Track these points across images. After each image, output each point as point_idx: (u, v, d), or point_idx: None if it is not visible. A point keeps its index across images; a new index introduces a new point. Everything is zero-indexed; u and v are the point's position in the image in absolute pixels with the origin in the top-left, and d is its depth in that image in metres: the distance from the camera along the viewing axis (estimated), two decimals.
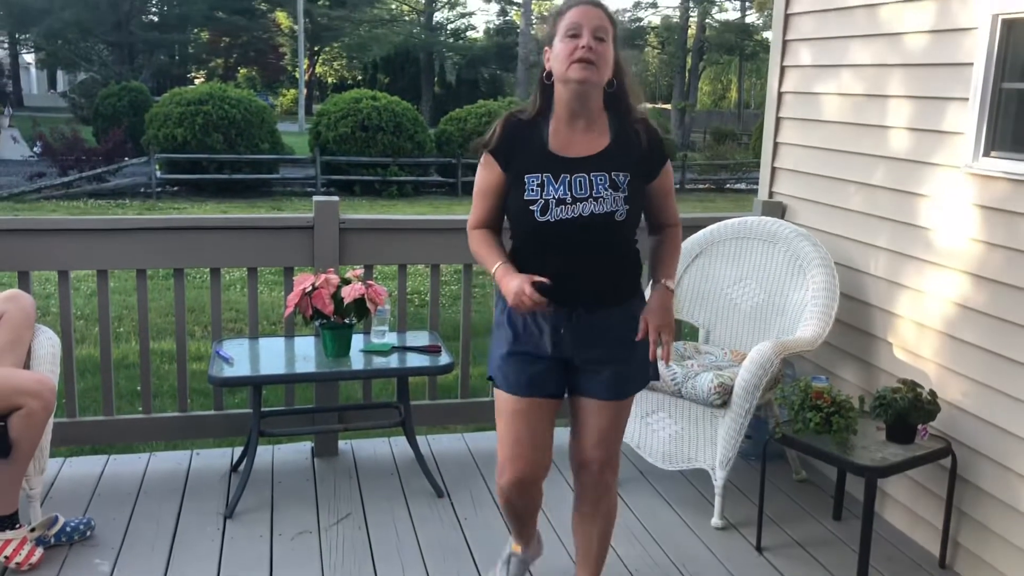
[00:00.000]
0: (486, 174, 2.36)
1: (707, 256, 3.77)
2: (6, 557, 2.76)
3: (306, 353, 3.44)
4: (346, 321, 3.35)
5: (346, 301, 3.26)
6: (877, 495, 2.99)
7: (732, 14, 43.03)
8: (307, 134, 21.05)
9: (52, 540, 2.92)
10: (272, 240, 3.59)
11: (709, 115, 42.85)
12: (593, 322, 2.34)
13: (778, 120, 4.01)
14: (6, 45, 38.46)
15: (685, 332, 4.14)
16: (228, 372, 3.23)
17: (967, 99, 2.91)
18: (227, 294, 8.48)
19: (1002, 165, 2.79)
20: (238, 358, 3.35)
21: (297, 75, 38.86)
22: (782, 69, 3.97)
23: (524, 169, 2.29)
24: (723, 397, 3.11)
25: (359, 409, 3.82)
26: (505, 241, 2.44)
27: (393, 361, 3.42)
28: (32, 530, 2.84)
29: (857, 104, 3.49)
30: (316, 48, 43.74)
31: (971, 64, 2.89)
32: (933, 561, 3.06)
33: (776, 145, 4.04)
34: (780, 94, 3.99)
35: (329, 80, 48.96)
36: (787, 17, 3.91)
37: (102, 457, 3.68)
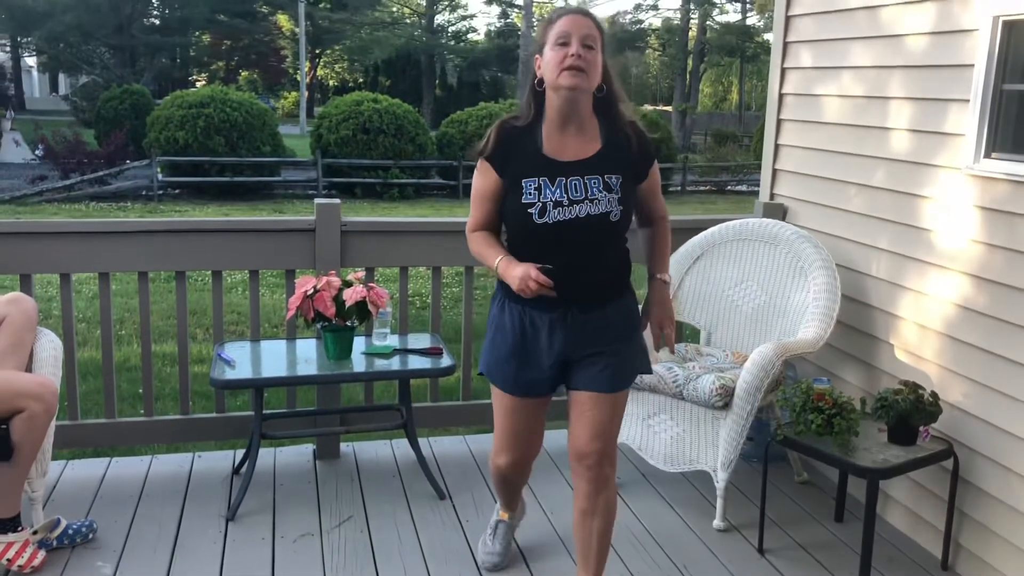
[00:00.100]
0: (483, 180, 2.44)
1: (708, 258, 3.77)
2: (8, 560, 2.76)
3: (308, 355, 3.44)
4: (348, 323, 3.36)
5: (348, 303, 3.26)
6: (879, 497, 2.99)
7: (733, 16, 43.15)
8: (308, 137, 21.07)
9: (54, 543, 2.93)
10: (274, 243, 3.60)
11: (710, 117, 42.85)
12: (588, 320, 2.42)
13: (779, 122, 4.01)
14: (8, 48, 38.49)
15: (686, 334, 4.14)
16: (230, 375, 3.23)
17: (968, 100, 2.91)
18: (229, 297, 8.49)
19: (1003, 166, 2.79)
20: (240, 361, 3.35)
21: (298, 78, 38.90)
22: (783, 71, 3.97)
23: (521, 174, 2.37)
24: (725, 399, 3.11)
25: (361, 411, 3.82)
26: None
27: (395, 363, 3.42)
28: (34, 533, 2.85)
29: (858, 106, 3.49)
30: (317, 51, 43.77)
31: (972, 66, 2.89)
32: (935, 563, 3.06)
33: (777, 147, 4.04)
34: (781, 96, 3.99)
35: (330, 83, 49.00)
36: (788, 19, 3.92)
37: (104, 460, 3.68)
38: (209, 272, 3.71)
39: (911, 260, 3.21)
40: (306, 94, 38.32)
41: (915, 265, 3.19)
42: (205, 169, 18.25)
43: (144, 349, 3.64)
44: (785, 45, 3.94)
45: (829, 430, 2.89)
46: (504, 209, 2.43)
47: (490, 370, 2.53)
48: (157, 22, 37.91)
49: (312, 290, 3.27)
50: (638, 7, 52.23)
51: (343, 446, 3.83)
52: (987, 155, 2.87)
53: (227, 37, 39.92)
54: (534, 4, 37.21)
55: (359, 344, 3.51)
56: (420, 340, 3.63)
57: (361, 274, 3.47)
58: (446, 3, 44.01)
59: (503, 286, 2.48)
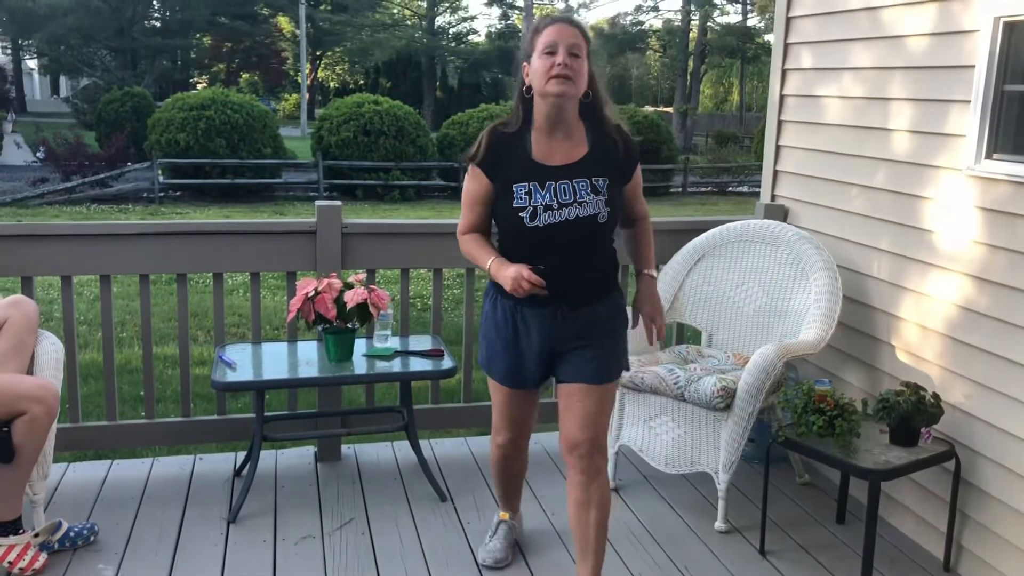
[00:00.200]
0: (474, 184, 2.55)
1: (709, 259, 3.77)
2: (10, 562, 2.76)
3: (309, 358, 3.44)
4: (349, 326, 3.36)
5: (349, 306, 3.26)
6: (881, 498, 2.98)
7: (734, 17, 43.14)
8: (309, 139, 21.09)
9: (56, 545, 2.93)
10: (275, 245, 3.60)
11: (711, 118, 42.86)
12: (578, 318, 2.54)
13: (780, 123, 4.01)
14: (9, 51, 38.54)
15: (688, 335, 4.14)
16: (231, 377, 3.23)
17: (969, 102, 2.91)
18: (230, 299, 8.49)
19: (1004, 167, 2.79)
20: (241, 363, 3.35)
21: (299, 80, 38.93)
22: (784, 72, 3.97)
23: (512, 179, 2.47)
24: (726, 400, 3.11)
25: (362, 413, 3.82)
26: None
27: (396, 365, 3.42)
28: (36, 535, 2.85)
29: (859, 107, 3.49)
30: (318, 53, 43.79)
31: (973, 66, 2.89)
32: (937, 564, 3.06)
33: (778, 148, 4.04)
34: (782, 97, 3.99)
35: (331, 85, 49.03)
36: (788, 20, 3.92)
37: (105, 462, 3.68)
38: (210, 274, 3.71)
39: (912, 261, 3.20)
40: (307, 96, 38.35)
41: (916, 266, 3.19)
42: (206, 171, 18.27)
43: (145, 351, 3.64)
44: (786, 46, 3.94)
45: (830, 431, 2.88)
46: (496, 213, 2.54)
47: (486, 363, 2.69)
48: (158, 24, 37.94)
49: (313, 292, 3.27)
50: (639, 8, 52.29)
51: (344, 448, 3.83)
52: (988, 156, 2.86)
53: (228, 39, 39.95)
54: (534, 6, 37.24)
55: (360, 346, 3.51)
56: (421, 342, 3.63)
57: (362, 276, 3.47)
58: (447, 5, 44.04)
59: (495, 284, 2.57)
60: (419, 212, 17.08)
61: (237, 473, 3.58)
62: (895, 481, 3.17)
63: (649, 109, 27.67)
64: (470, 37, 45.90)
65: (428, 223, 3.81)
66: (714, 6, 39.41)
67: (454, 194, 19.47)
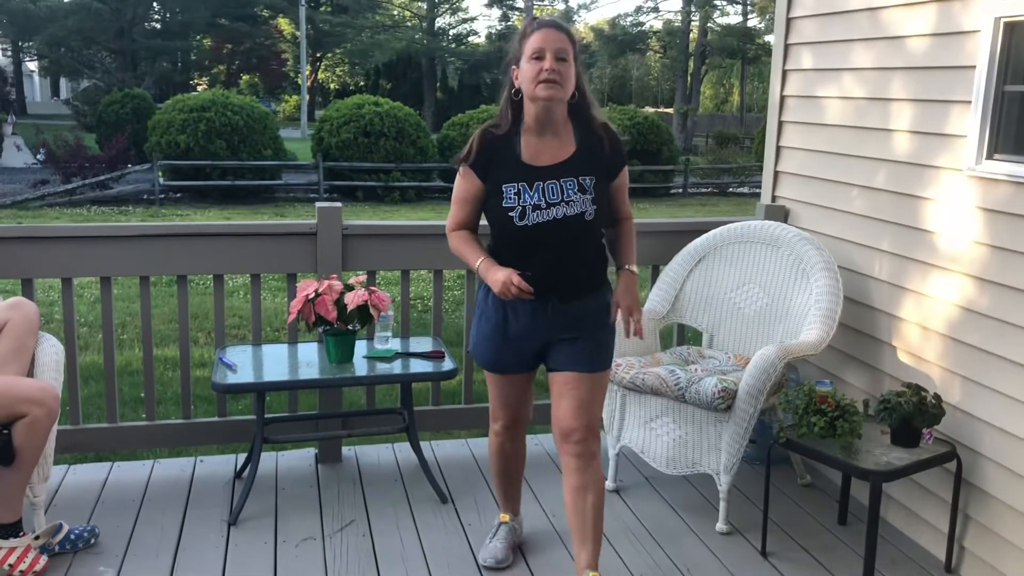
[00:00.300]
0: (465, 184, 2.65)
1: (710, 260, 3.77)
2: (10, 565, 2.76)
3: (309, 359, 3.44)
4: (349, 327, 3.35)
5: (349, 307, 3.26)
6: (882, 499, 2.98)
7: (734, 18, 43.14)
8: (310, 140, 21.09)
9: (56, 548, 2.92)
10: (275, 246, 3.60)
11: (711, 119, 42.86)
12: (568, 311, 2.63)
13: (780, 124, 4.01)
14: (9, 53, 38.58)
15: (688, 336, 4.14)
16: (232, 379, 3.23)
17: (969, 102, 2.91)
18: (230, 301, 8.49)
19: (1005, 168, 2.78)
20: (241, 365, 3.35)
21: (299, 81, 38.94)
22: (784, 73, 3.97)
23: (501, 180, 2.57)
24: (727, 402, 3.10)
25: (363, 415, 3.82)
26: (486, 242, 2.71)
27: (396, 367, 3.42)
28: (36, 538, 2.84)
29: (859, 107, 3.49)
30: (318, 54, 43.80)
31: (973, 67, 2.89)
32: (939, 565, 3.05)
33: (779, 149, 4.03)
34: (782, 98, 3.99)
35: (331, 86, 49.05)
36: (789, 21, 3.92)
37: (106, 464, 3.68)
38: (211, 276, 3.71)
39: (913, 262, 3.20)
40: (307, 97, 38.35)
41: (917, 267, 3.18)
42: (206, 173, 18.27)
43: (146, 353, 3.64)
44: (786, 47, 3.94)
45: (832, 432, 2.88)
46: (487, 212, 2.64)
47: (477, 351, 2.78)
48: (158, 26, 37.97)
49: (314, 294, 3.27)
50: (639, 9, 52.25)
51: (345, 450, 3.83)
52: (989, 156, 2.86)
53: (228, 41, 39.97)
54: (534, 7, 37.25)
55: (361, 348, 3.51)
56: (422, 344, 3.63)
57: (363, 278, 3.47)
58: (447, 6, 44.06)
59: None
60: (419, 213, 17.08)
61: (238, 475, 3.58)
62: (896, 482, 3.17)
63: (649, 110, 27.68)
64: (470, 38, 45.94)
65: (428, 225, 3.80)
66: (714, 7, 39.41)
67: None
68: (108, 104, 22.38)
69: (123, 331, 7.22)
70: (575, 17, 43.77)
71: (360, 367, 3.37)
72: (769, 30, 36.03)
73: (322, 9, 41.44)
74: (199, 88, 38.59)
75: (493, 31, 46.61)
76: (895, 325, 3.31)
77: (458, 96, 40.50)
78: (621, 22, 42.60)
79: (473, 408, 3.92)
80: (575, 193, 2.54)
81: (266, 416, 3.41)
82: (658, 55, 46.30)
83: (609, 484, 3.55)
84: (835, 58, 3.62)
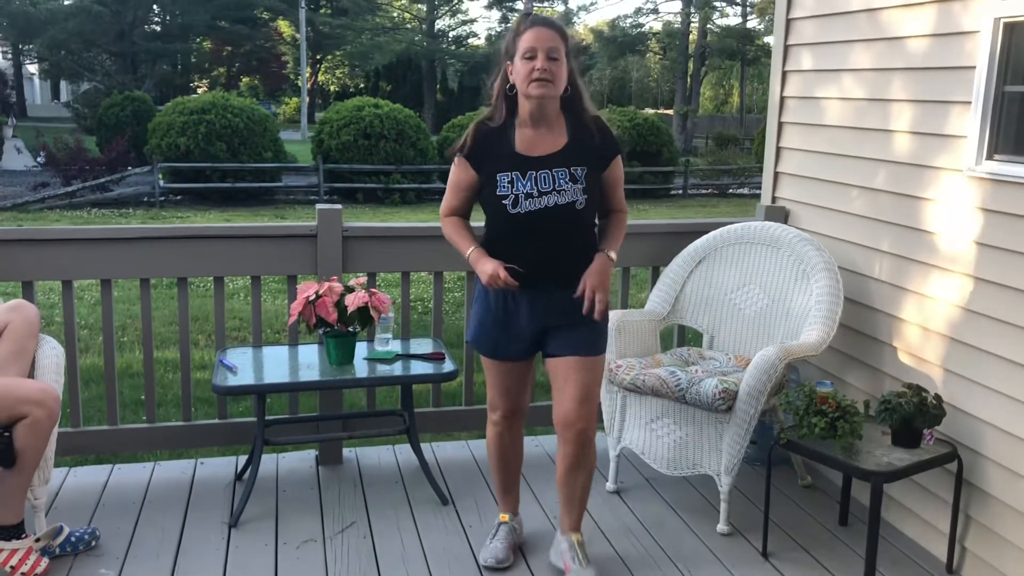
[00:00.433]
0: (460, 173, 2.78)
1: (710, 261, 3.77)
2: (11, 567, 2.76)
3: (310, 361, 3.44)
4: (350, 329, 3.35)
5: (350, 309, 3.26)
6: (883, 500, 2.98)
7: (733, 19, 43.16)
8: (310, 142, 21.10)
9: (57, 550, 2.92)
10: (275, 248, 3.60)
11: (711, 120, 42.88)
12: (562, 298, 2.72)
13: (780, 125, 4.01)
14: (9, 56, 38.60)
15: (689, 337, 4.14)
16: (232, 381, 3.23)
17: (969, 103, 2.91)
18: (231, 303, 8.49)
19: (1005, 168, 2.79)
20: (242, 367, 3.35)
21: (299, 83, 38.98)
22: (784, 74, 3.97)
23: (496, 169, 2.68)
24: (728, 402, 3.10)
25: (363, 417, 3.81)
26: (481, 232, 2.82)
27: (397, 369, 3.42)
28: (37, 540, 2.84)
29: (859, 108, 3.49)
30: (318, 56, 43.84)
31: (973, 67, 2.89)
32: (940, 566, 3.05)
33: (779, 150, 4.04)
34: (782, 99, 3.99)
35: (331, 88, 49.08)
36: (788, 22, 3.92)
37: (106, 467, 3.68)
38: (211, 278, 3.71)
39: (913, 262, 3.20)
40: (307, 100, 38.38)
41: (917, 267, 3.18)
42: (207, 175, 18.27)
43: (146, 355, 3.64)
44: (786, 48, 3.94)
45: (832, 433, 2.88)
46: (482, 200, 2.76)
47: (476, 339, 2.86)
48: (158, 29, 38.01)
49: (314, 296, 3.27)
50: (638, 11, 52.33)
51: (346, 452, 3.83)
52: (989, 157, 2.86)
53: (228, 43, 40.00)
54: (534, 8, 37.26)
55: (361, 350, 3.51)
56: (422, 345, 3.63)
57: (363, 279, 3.47)
58: (447, 8, 44.08)
59: None
60: (420, 215, 17.09)
61: (238, 477, 3.58)
62: (897, 483, 3.17)
63: (649, 111, 27.64)
64: (470, 40, 45.97)
65: (429, 226, 3.80)
66: (714, 8, 39.43)
67: None
68: (108, 107, 22.39)
69: (123, 333, 7.22)
70: (574, 19, 43.81)
71: (360, 369, 3.37)
72: (768, 31, 36.04)
73: (322, 11, 41.47)
74: (199, 90, 38.65)
75: (493, 33, 46.66)
76: (895, 326, 3.31)
77: (458, 98, 40.52)
78: (621, 24, 42.62)
79: (474, 410, 3.92)
80: (567, 183, 2.66)
81: (267, 418, 3.41)
82: (658, 57, 46.33)
83: (610, 485, 3.55)
84: (835, 59, 3.63)
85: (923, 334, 3.17)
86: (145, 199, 18.02)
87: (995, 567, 2.87)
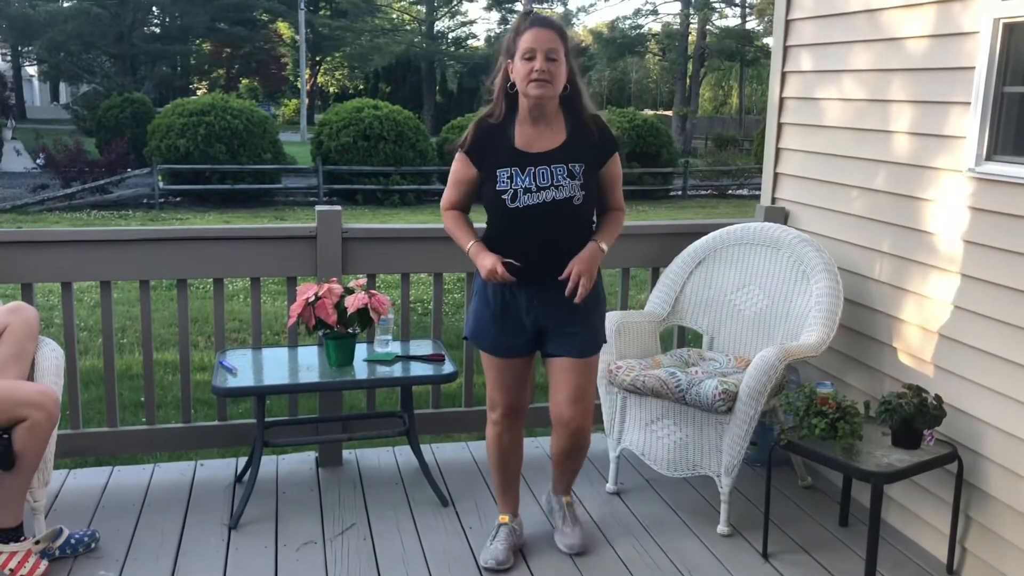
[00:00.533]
0: (462, 168, 2.84)
1: (710, 262, 3.76)
2: (11, 570, 2.76)
3: (309, 363, 3.44)
4: (349, 331, 3.35)
5: (349, 311, 3.26)
6: (883, 501, 2.97)
7: (732, 20, 43.16)
8: (309, 144, 21.10)
9: (56, 552, 2.92)
10: (275, 250, 3.59)
11: (710, 121, 42.90)
12: (560, 298, 2.75)
13: (780, 126, 4.01)
14: (9, 57, 38.59)
15: (689, 338, 4.13)
16: (232, 382, 3.23)
17: (969, 103, 2.91)
18: (230, 304, 8.49)
19: (1005, 169, 2.79)
20: (242, 368, 3.35)
21: (299, 85, 38.98)
22: (783, 75, 3.97)
23: (496, 165, 2.74)
24: (728, 403, 3.10)
25: (363, 419, 3.81)
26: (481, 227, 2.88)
27: (397, 370, 3.41)
28: (36, 543, 2.84)
29: (859, 109, 3.49)
30: (318, 58, 43.85)
31: (973, 68, 2.89)
32: (941, 567, 3.05)
33: (778, 151, 4.03)
34: (782, 100, 3.99)
35: (331, 90, 49.11)
36: (788, 23, 3.92)
37: (106, 469, 3.67)
38: (210, 280, 3.71)
39: (913, 263, 3.20)
40: (306, 101, 38.38)
41: (917, 268, 3.18)
42: (206, 177, 18.26)
43: (146, 357, 3.63)
44: (785, 49, 3.94)
45: (833, 434, 2.88)
46: (483, 194, 2.81)
47: (475, 335, 2.90)
48: (157, 31, 38.00)
49: (313, 297, 3.27)
50: (638, 12, 52.33)
51: (345, 453, 3.82)
52: (989, 157, 2.86)
53: (227, 45, 40.00)
54: (533, 10, 37.23)
55: (361, 351, 3.51)
56: (422, 347, 3.62)
57: (363, 281, 3.47)
58: (446, 9, 44.10)
59: None
60: (419, 217, 17.09)
61: (238, 479, 3.58)
62: (898, 483, 3.17)
63: (648, 113, 27.63)
64: (469, 41, 46.00)
65: (428, 228, 3.81)
66: (713, 9, 39.46)
67: None
68: (108, 108, 22.39)
69: (123, 335, 7.22)
70: (574, 20, 43.83)
71: (360, 370, 3.37)
72: (767, 32, 36.06)
73: (321, 13, 41.47)
74: (199, 92, 38.63)
75: (492, 34, 46.67)
76: (895, 326, 3.31)
77: (457, 99, 40.53)
78: (620, 25, 42.65)
79: (473, 411, 3.92)
80: (564, 178, 2.72)
81: (266, 420, 3.40)
82: (657, 58, 46.35)
83: (610, 486, 3.55)
84: (834, 60, 3.63)
85: (923, 335, 3.17)
86: (144, 201, 18.02)
87: (995, 568, 2.87)
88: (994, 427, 2.86)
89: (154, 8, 36.93)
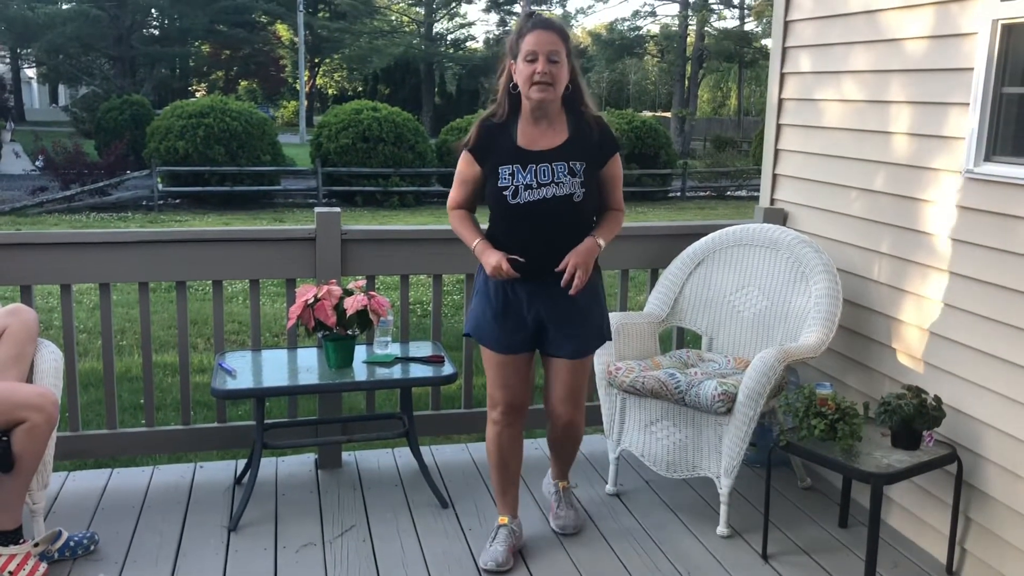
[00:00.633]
0: (466, 167, 2.89)
1: (709, 264, 3.77)
2: (10, 573, 2.75)
3: (309, 365, 3.44)
4: (349, 332, 3.35)
5: (349, 313, 3.26)
6: (883, 502, 2.98)
7: (731, 22, 43.15)
8: (308, 146, 21.09)
9: (56, 555, 2.92)
10: (274, 252, 3.59)
11: (709, 122, 42.91)
12: (561, 297, 2.80)
13: (779, 127, 4.01)
14: (8, 60, 38.57)
15: (688, 339, 4.13)
16: (231, 384, 3.23)
17: (968, 104, 2.91)
18: (229, 306, 8.49)
19: (1003, 170, 2.79)
20: (241, 370, 3.35)
21: (298, 87, 38.98)
22: (782, 76, 3.97)
23: (498, 162, 2.80)
24: (727, 405, 3.10)
25: (362, 420, 3.81)
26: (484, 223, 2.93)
27: (396, 372, 3.41)
28: (36, 545, 2.84)
29: (858, 110, 3.49)
30: (316, 60, 43.86)
31: (971, 69, 2.89)
32: (940, 568, 3.05)
33: (777, 152, 4.04)
34: (780, 101, 3.99)
35: (330, 92, 49.12)
36: (787, 24, 3.92)
37: (105, 471, 3.67)
38: (210, 282, 3.71)
39: (912, 264, 3.20)
40: (305, 103, 38.39)
41: (916, 269, 3.18)
42: (205, 179, 18.27)
43: (145, 359, 3.63)
44: (784, 50, 3.95)
45: (832, 435, 2.88)
46: (486, 193, 2.86)
47: (477, 332, 2.93)
48: (156, 33, 37.99)
49: (313, 299, 3.27)
50: (636, 14, 52.36)
51: (345, 455, 3.82)
52: (987, 158, 2.86)
53: (226, 47, 40.01)
54: (535, 11, 37.24)
55: (360, 353, 3.51)
56: (421, 348, 3.62)
57: (362, 282, 3.47)
58: (444, 11, 44.12)
59: None
60: (418, 218, 17.09)
61: (238, 481, 3.57)
62: (897, 484, 3.17)
63: (647, 114, 27.66)
64: (468, 43, 46.02)
65: (427, 229, 3.81)
66: (711, 11, 39.48)
67: None
68: (107, 111, 22.39)
69: (122, 337, 7.21)
70: (573, 22, 43.85)
71: (360, 372, 3.37)
72: (766, 34, 36.09)
73: (320, 15, 41.49)
74: (197, 94, 38.66)
75: (491, 36, 46.69)
76: (895, 327, 3.31)
77: (456, 101, 40.55)
78: (619, 27, 42.68)
79: (473, 412, 3.92)
80: (565, 176, 2.76)
81: (266, 422, 3.40)
82: (655, 59, 46.38)
83: (609, 488, 3.55)
84: (833, 61, 3.63)
85: (922, 335, 3.17)
86: (144, 203, 18.02)
87: (995, 568, 2.87)
88: (994, 428, 2.86)
89: (153, 10, 36.93)
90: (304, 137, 31.10)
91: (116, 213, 17.21)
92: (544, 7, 40.21)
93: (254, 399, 3.33)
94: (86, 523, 3.21)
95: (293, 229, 3.66)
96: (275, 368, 3.47)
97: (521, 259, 2.76)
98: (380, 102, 20.77)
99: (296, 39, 37.35)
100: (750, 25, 39.86)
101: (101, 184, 17.99)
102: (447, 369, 3.42)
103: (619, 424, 3.44)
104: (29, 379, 2.90)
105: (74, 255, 3.40)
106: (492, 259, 2.76)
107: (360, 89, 44.42)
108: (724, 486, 3.17)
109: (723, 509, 3.21)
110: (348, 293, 3.33)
